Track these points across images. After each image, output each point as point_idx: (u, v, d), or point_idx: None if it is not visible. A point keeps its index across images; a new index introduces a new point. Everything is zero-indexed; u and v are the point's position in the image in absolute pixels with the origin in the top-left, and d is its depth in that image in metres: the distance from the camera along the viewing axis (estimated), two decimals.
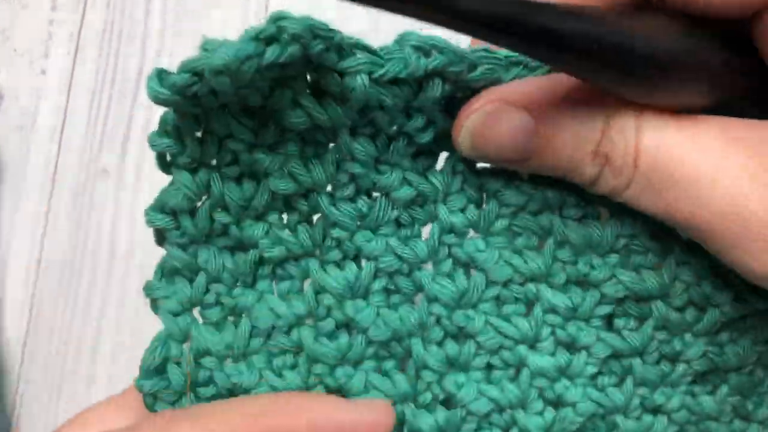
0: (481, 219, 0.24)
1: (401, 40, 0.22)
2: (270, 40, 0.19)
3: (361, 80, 0.21)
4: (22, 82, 0.45)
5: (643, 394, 0.26)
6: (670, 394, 0.26)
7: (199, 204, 0.23)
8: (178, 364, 0.24)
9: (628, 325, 0.25)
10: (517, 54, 0.22)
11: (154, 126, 0.22)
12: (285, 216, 0.24)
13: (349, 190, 0.24)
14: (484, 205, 0.25)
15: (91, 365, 0.41)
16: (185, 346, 0.24)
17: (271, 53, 0.19)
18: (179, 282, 0.24)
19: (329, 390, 0.24)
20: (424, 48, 0.21)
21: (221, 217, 0.23)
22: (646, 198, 0.21)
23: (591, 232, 0.24)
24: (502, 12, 0.17)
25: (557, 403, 0.25)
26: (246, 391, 0.24)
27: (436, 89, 0.22)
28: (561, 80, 0.21)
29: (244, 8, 0.45)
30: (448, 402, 0.25)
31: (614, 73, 0.19)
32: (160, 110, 0.21)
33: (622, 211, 0.24)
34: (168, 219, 0.23)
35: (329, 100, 0.22)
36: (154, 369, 0.23)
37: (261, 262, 0.24)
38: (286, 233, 0.24)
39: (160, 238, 0.24)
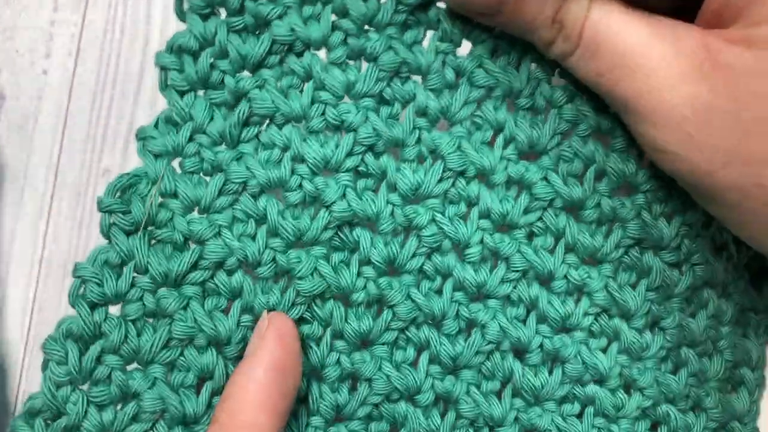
0: (453, 102, 0.27)
1: None
2: None
3: None
4: (23, 82, 0.45)
5: (543, 333, 0.27)
6: (567, 342, 0.27)
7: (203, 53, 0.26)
8: (143, 199, 0.25)
9: (545, 244, 0.27)
10: None
11: None
12: (279, 83, 0.26)
13: (341, 52, 0.26)
14: (458, 87, 0.27)
15: None
16: (154, 188, 0.25)
17: None
18: (168, 128, 0.26)
19: (278, 268, 0.26)
20: None
21: (221, 64, 0.26)
22: (584, 64, 0.25)
23: (533, 128, 0.27)
24: None
25: (470, 324, 0.27)
26: (201, 241, 0.25)
27: None
28: None
29: None
30: (379, 303, 0.27)
31: None
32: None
33: (562, 109, 0.27)
34: (173, 59, 0.26)
35: None
36: (119, 190, 0.26)
37: (247, 122, 0.26)
38: (277, 94, 0.26)
39: (164, 82, 0.26)
